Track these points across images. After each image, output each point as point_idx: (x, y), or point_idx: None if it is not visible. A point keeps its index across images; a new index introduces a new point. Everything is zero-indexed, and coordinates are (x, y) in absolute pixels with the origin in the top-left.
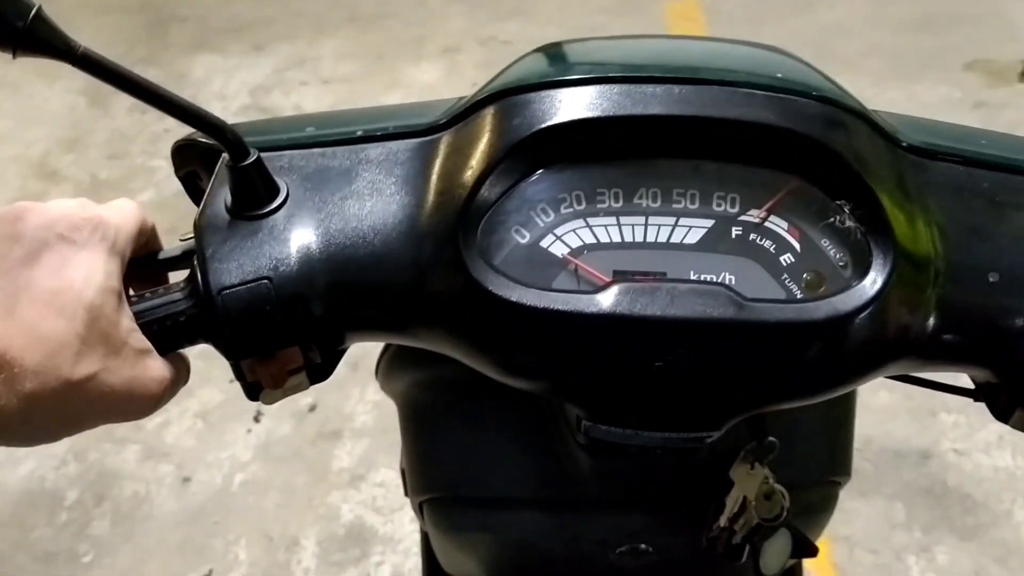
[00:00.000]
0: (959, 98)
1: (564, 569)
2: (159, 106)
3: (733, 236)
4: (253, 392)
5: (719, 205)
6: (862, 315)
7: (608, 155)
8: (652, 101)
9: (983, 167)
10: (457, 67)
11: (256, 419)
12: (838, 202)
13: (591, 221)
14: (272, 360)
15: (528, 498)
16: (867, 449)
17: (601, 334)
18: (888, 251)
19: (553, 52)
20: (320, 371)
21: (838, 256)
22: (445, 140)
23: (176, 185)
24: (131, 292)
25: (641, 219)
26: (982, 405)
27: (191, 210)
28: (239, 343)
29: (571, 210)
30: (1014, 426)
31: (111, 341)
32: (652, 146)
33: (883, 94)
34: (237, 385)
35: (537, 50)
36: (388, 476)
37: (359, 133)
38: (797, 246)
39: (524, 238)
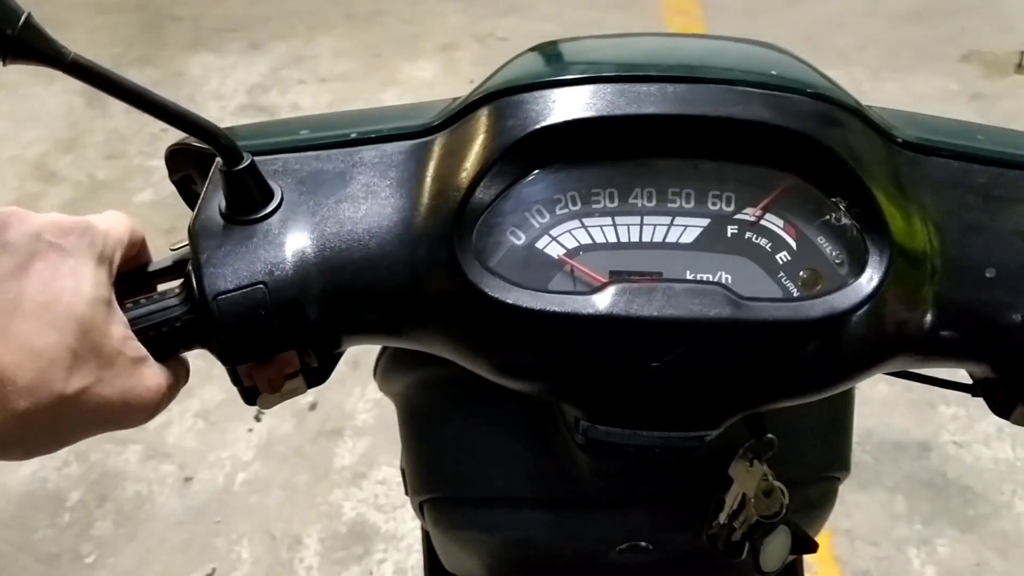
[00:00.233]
0: (956, 90)
1: (565, 567)
2: (151, 111)
3: (729, 235)
4: (250, 396)
5: (714, 204)
6: (859, 312)
7: (603, 155)
8: (646, 100)
9: (979, 162)
10: (454, 64)
11: (257, 418)
12: (834, 199)
13: (586, 222)
14: (269, 364)
15: (528, 497)
16: (867, 442)
17: (598, 335)
18: (884, 248)
19: (547, 52)
20: (317, 374)
21: (834, 254)
22: (439, 142)
23: None
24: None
25: (636, 219)
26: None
27: (189, 210)
28: (235, 348)
29: (566, 211)
30: (1015, 421)
31: (104, 352)
32: (647, 146)
33: (880, 87)
34: None
35: (530, 50)
36: (390, 473)
37: (353, 136)
38: (793, 244)
39: (520, 239)
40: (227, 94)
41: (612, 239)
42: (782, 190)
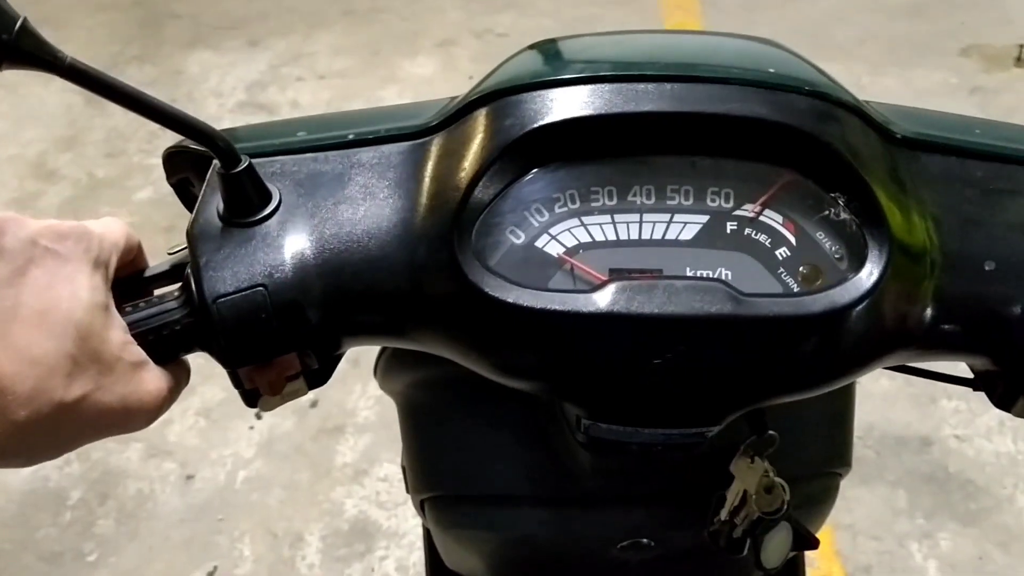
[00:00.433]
0: (956, 84)
1: (566, 564)
2: (148, 115)
3: (728, 231)
4: (251, 399)
5: (713, 200)
6: (859, 307)
7: (601, 153)
8: (644, 98)
9: (977, 157)
10: (453, 61)
11: (258, 416)
12: (833, 195)
13: (586, 220)
14: (269, 367)
15: (529, 495)
16: (868, 436)
17: (599, 333)
18: (884, 243)
19: (544, 50)
20: (318, 376)
21: (834, 249)
22: (437, 142)
23: None
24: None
25: (636, 216)
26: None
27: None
28: (236, 351)
29: (565, 209)
30: (1016, 414)
31: (103, 358)
32: (645, 143)
33: (879, 81)
34: None
35: (528, 48)
36: (391, 471)
37: (351, 137)
38: (792, 240)
39: (519, 239)
40: (226, 91)
41: (611, 237)
42: (781, 186)
